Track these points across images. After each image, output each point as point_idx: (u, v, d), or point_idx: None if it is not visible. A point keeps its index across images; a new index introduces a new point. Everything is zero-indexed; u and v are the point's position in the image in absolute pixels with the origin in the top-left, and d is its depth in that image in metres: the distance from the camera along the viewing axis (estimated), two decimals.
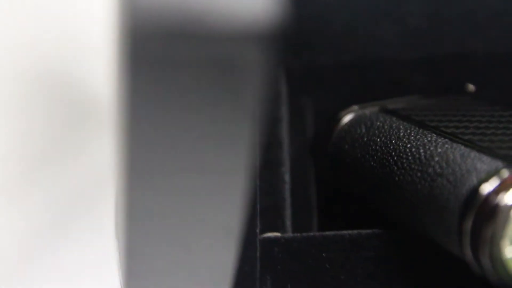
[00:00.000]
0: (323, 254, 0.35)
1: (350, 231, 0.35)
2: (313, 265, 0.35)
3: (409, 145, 0.34)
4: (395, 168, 0.34)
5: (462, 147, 0.33)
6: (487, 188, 0.30)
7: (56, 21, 0.47)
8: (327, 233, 0.36)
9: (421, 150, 0.34)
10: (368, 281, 0.34)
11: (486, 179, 0.30)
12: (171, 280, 0.31)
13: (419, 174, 0.33)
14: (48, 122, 0.45)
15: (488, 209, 0.29)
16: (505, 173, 0.30)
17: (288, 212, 0.38)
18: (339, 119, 0.39)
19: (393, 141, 0.35)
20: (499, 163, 0.31)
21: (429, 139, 0.34)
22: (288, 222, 0.37)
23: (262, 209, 0.36)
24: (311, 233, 0.36)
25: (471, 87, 0.41)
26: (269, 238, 0.36)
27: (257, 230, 0.35)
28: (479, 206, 0.29)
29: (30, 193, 0.44)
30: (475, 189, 0.30)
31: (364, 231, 0.35)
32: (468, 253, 0.30)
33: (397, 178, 0.34)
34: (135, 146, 0.24)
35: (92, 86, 0.43)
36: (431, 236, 0.33)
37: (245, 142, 0.24)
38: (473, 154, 0.32)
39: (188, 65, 0.22)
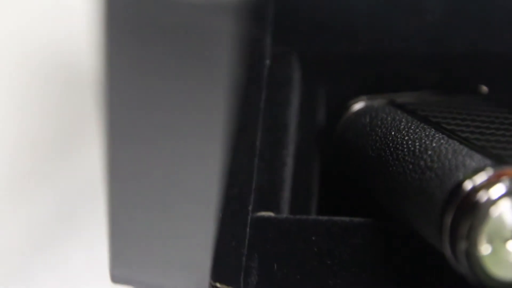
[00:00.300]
0: (313, 238, 0.35)
1: (342, 218, 0.36)
2: (301, 248, 0.35)
3: (406, 138, 0.35)
4: (390, 158, 0.35)
5: (457, 144, 0.33)
6: (469, 184, 0.30)
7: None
8: (320, 217, 0.36)
9: (417, 143, 0.34)
10: (354, 268, 0.35)
11: (470, 176, 0.30)
12: (154, 248, 0.31)
13: (411, 166, 0.33)
14: (49, 120, 0.45)
15: (468, 205, 0.29)
16: (489, 171, 0.30)
17: (285, 194, 0.38)
18: (346, 108, 0.39)
19: (393, 133, 0.36)
20: (488, 162, 0.31)
21: (427, 133, 0.34)
22: (285, 204, 0.38)
23: (258, 188, 0.36)
24: (304, 216, 0.36)
25: (484, 88, 0.41)
26: (262, 217, 0.36)
27: (249, 208, 0.35)
28: (460, 201, 0.30)
29: (33, 191, 0.45)
30: (459, 185, 0.30)
31: (356, 219, 0.36)
32: (447, 248, 0.30)
33: (391, 169, 0.34)
34: (114, 115, 0.25)
35: (83, 70, 0.43)
36: (418, 228, 0.33)
37: (220, 111, 0.24)
38: (465, 151, 0.32)
39: (163, 32, 0.22)
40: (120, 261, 0.32)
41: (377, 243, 0.35)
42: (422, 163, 0.33)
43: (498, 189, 0.29)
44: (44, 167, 0.45)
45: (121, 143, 0.26)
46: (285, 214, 0.38)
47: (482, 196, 0.29)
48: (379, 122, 0.37)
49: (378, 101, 0.39)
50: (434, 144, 0.33)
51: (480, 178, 0.30)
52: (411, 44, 0.41)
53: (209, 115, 0.25)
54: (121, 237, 0.31)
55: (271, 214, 0.36)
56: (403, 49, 0.41)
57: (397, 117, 0.37)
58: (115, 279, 0.33)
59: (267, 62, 0.38)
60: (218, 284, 0.33)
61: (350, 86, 0.41)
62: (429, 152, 0.33)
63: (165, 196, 0.28)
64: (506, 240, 0.29)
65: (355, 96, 0.40)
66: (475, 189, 0.29)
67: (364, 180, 0.37)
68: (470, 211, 0.29)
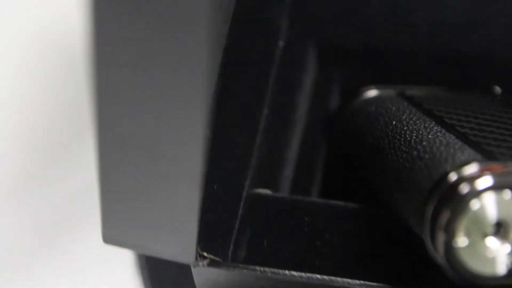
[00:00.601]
0: (306, 219, 0.36)
1: (338, 202, 0.36)
2: (293, 227, 0.36)
3: (405, 128, 0.35)
4: (387, 147, 0.35)
5: (453, 137, 0.33)
6: (454, 176, 0.30)
7: None
8: (315, 200, 0.37)
9: (414, 134, 0.34)
10: (342, 252, 0.35)
11: (457, 168, 0.30)
12: (142, 212, 0.32)
13: (404, 155, 0.33)
14: (52, 115, 0.46)
15: (449, 196, 0.30)
16: (476, 165, 0.30)
17: (286, 173, 0.39)
18: (356, 96, 0.40)
19: (394, 122, 0.36)
20: (478, 157, 0.31)
21: (426, 125, 0.35)
22: (284, 183, 0.38)
23: (258, 165, 0.37)
24: (300, 197, 0.37)
25: (497, 89, 0.41)
26: (258, 194, 0.37)
27: (246, 183, 0.36)
28: (442, 192, 0.30)
29: (38, 189, 0.45)
30: (444, 176, 0.30)
31: (350, 205, 0.36)
32: (427, 238, 0.30)
33: (386, 157, 0.35)
34: (101, 77, 0.26)
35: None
36: (405, 218, 0.33)
37: (200, 75, 0.25)
38: (459, 145, 0.32)
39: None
40: (111, 223, 0.33)
41: (368, 229, 0.35)
42: (415, 153, 0.33)
43: (481, 183, 0.29)
44: (48, 164, 0.45)
45: (108, 107, 0.27)
46: (283, 193, 0.38)
47: (464, 188, 0.29)
48: (383, 111, 0.37)
49: (388, 92, 0.39)
50: (430, 136, 0.33)
51: (466, 171, 0.30)
52: (429, 39, 0.41)
53: (189, 79, 0.25)
54: (112, 199, 0.31)
55: (268, 192, 0.37)
56: (420, 44, 0.41)
57: (402, 108, 0.37)
58: (106, 239, 0.34)
59: (281, 43, 0.39)
60: (205, 253, 0.34)
61: (365, 75, 0.42)
62: (424, 143, 0.33)
63: (150, 161, 0.29)
64: (486, 235, 0.30)
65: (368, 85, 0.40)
66: (459, 181, 0.30)
67: (364, 167, 0.38)
68: (450, 202, 0.29)
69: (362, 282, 0.33)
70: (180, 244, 0.33)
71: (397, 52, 0.41)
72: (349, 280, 0.34)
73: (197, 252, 0.34)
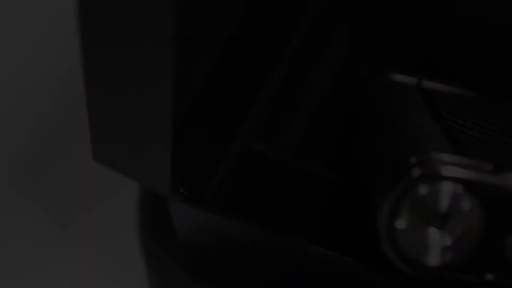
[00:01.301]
0: (288, 181, 0.36)
1: (325, 171, 0.37)
2: (271, 187, 0.36)
3: (399, 113, 0.35)
4: (378, 127, 0.35)
5: (438, 129, 0.33)
6: (413, 161, 0.30)
7: None
8: (306, 164, 0.38)
9: (403, 119, 0.34)
10: (312, 219, 0.35)
11: (420, 154, 0.30)
12: (124, 140, 0.33)
13: (387, 136, 0.34)
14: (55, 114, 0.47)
15: (402, 178, 0.30)
16: (437, 154, 0.30)
17: (287, 137, 0.39)
18: (375, 78, 0.40)
19: (392, 107, 0.36)
20: (449, 149, 0.31)
21: (420, 114, 0.35)
22: (281, 142, 0.39)
23: (261, 119, 0.37)
24: (292, 159, 0.38)
25: None
26: (251, 148, 0.37)
27: (239, 135, 0.37)
28: (398, 174, 0.30)
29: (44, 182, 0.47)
30: (405, 160, 0.30)
31: (336, 176, 0.36)
32: (378, 217, 0.31)
33: (375, 137, 0.35)
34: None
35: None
36: (373, 198, 0.33)
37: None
38: (438, 136, 0.32)
39: None
40: (99, 143, 0.34)
41: (348, 204, 0.36)
42: (395, 136, 0.33)
43: (435, 171, 0.30)
44: (52, 160, 0.46)
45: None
46: (281, 153, 0.39)
47: (416, 171, 0.30)
48: (389, 96, 0.38)
49: (408, 79, 0.39)
50: (416, 123, 0.34)
51: (426, 157, 0.30)
52: (468, 38, 0.40)
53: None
54: (98, 120, 0.33)
55: (261, 148, 0.38)
56: (458, 40, 0.41)
57: (407, 96, 0.37)
58: (96, 158, 0.35)
59: (310, 11, 0.39)
60: (181, 189, 0.35)
61: (397, 60, 0.42)
62: (407, 129, 0.33)
63: (128, 89, 0.31)
64: (429, 223, 0.30)
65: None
66: (415, 165, 0.30)
67: (361, 146, 0.38)
68: (401, 183, 0.30)
69: (320, 248, 0.34)
70: (156, 173, 0.34)
71: (433, 44, 0.41)
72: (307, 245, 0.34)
73: (173, 185, 0.35)
